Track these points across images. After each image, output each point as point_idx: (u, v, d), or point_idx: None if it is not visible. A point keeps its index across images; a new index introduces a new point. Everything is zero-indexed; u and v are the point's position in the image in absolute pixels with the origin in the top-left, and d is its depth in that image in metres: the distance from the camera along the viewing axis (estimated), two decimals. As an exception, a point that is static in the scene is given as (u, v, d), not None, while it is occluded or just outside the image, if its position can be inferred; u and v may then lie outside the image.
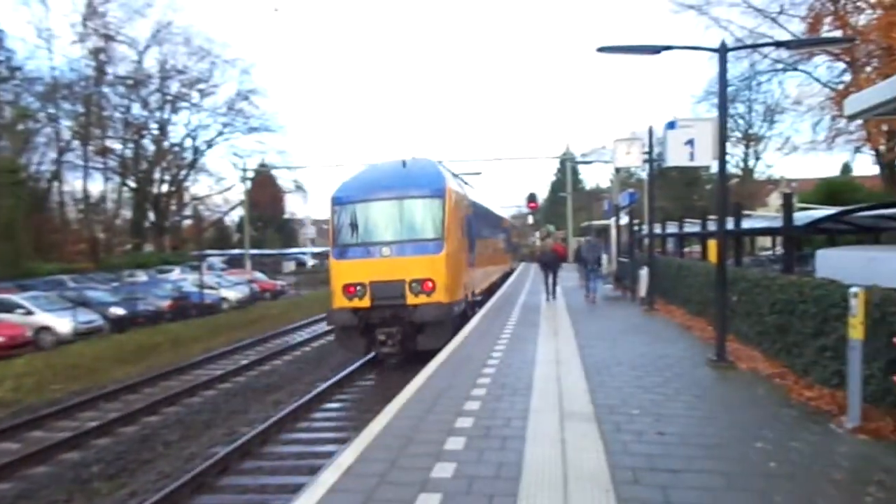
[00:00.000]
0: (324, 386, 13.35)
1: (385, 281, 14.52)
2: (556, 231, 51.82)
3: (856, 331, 6.19)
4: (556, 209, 72.92)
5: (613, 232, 23.76)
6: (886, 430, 5.96)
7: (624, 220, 22.91)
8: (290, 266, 57.55)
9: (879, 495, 4.66)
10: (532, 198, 48.66)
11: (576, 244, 35.16)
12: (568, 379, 8.57)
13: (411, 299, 14.50)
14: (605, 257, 24.76)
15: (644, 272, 17.03)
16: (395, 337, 14.65)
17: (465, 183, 22.00)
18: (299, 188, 62.52)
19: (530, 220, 63.35)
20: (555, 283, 20.05)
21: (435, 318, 14.34)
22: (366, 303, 14.58)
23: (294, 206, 72.47)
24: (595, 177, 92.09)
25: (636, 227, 23.72)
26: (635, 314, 15.96)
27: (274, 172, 62.40)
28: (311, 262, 64.03)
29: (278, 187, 66.09)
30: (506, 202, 68.69)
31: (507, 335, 12.72)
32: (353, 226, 15.21)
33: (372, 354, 15.47)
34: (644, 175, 29.36)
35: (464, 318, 16.19)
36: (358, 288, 14.59)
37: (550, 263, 20.10)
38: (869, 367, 6.29)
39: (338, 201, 15.58)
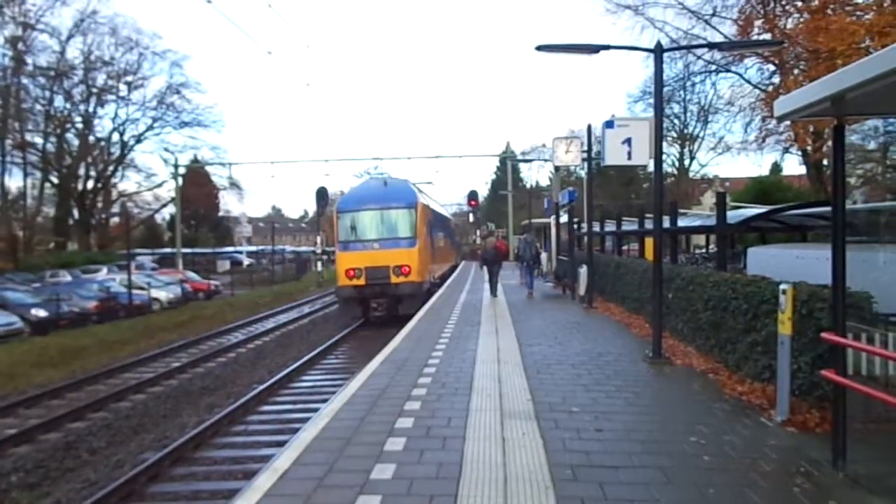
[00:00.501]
0: (261, 388, 13.12)
1: (376, 266, 20.77)
2: (497, 229, 52.28)
3: (784, 326, 6.44)
4: (496, 207, 73.56)
5: (553, 230, 24.09)
6: (812, 422, 6.22)
7: (564, 218, 23.25)
8: (224, 265, 56.23)
9: (806, 486, 4.87)
10: (473, 196, 48.92)
11: (516, 242, 35.56)
12: (508, 378, 8.65)
13: (394, 279, 20.81)
14: (544, 255, 25.09)
15: (583, 270, 17.34)
16: (383, 305, 21.81)
17: (425, 194, 29.07)
18: (234, 185, 61.10)
19: (471, 218, 63.76)
20: (496, 280, 20.36)
21: (410, 292, 20.80)
22: (362, 282, 20.84)
23: (229, 204, 70.87)
24: (535, 175, 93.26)
25: (576, 226, 24.12)
26: (575, 312, 16.23)
27: (208, 169, 61.00)
28: (246, 261, 62.70)
29: (212, 184, 64.55)
30: (446, 199, 68.90)
31: (448, 335, 12.77)
32: (353, 228, 21.70)
33: (353, 326, 21.17)
34: (583, 173, 29.89)
35: (429, 293, 22.45)
36: (357, 271, 20.87)
37: (492, 261, 20.45)
38: (797, 362, 6.54)
39: (341, 210, 22.42)
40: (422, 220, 22.28)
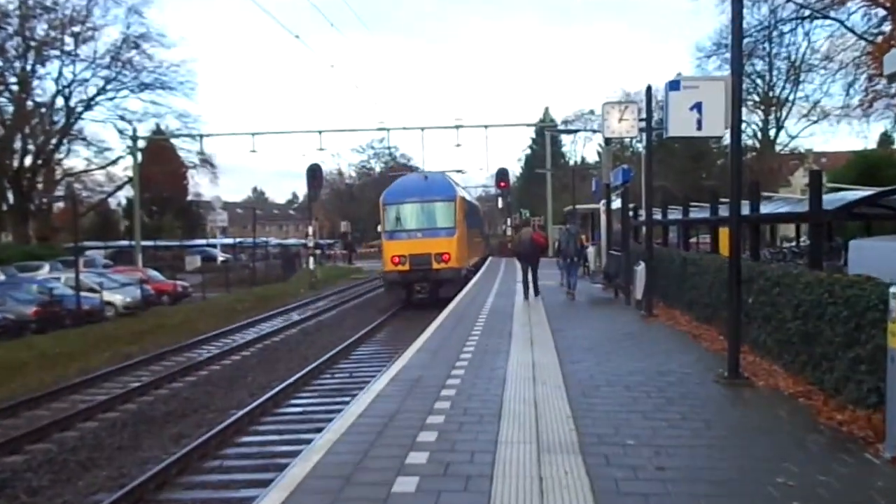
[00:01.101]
0: (240, 413, 13.23)
1: (419, 254, 27.99)
2: (533, 218, 52.14)
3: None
4: (531, 189, 73.33)
5: (603, 218, 24.02)
6: (932, 459, 6.16)
7: (616, 203, 23.16)
8: (194, 262, 56.55)
9: (923, 539, 4.83)
10: (502, 175, 48.73)
11: (557, 233, 35.53)
12: (547, 402, 8.66)
13: (435, 265, 28.00)
14: (591, 249, 25.04)
15: (640, 268, 17.26)
16: (426, 289, 29.06)
17: (460, 186, 37.57)
18: (207, 162, 61.47)
19: (500, 203, 63.56)
20: (535, 280, 20.42)
21: (450, 277, 27.86)
22: (406, 268, 28.18)
23: (200, 186, 71.35)
24: (580, 149, 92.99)
25: (631, 213, 24.00)
26: (630, 320, 16.20)
27: (174, 142, 61.18)
28: (221, 256, 63.05)
29: (179, 161, 64.87)
30: (469, 180, 68.85)
31: (472, 346, 12.80)
32: (398, 218, 29.29)
33: (388, 314, 27.52)
34: (641, 147, 29.75)
35: (466, 279, 29.37)
36: (402, 258, 28.22)
37: (528, 256, 20.49)
38: (912, 384, 6.47)
39: (386, 202, 30.06)
40: (460, 212, 29.79)
